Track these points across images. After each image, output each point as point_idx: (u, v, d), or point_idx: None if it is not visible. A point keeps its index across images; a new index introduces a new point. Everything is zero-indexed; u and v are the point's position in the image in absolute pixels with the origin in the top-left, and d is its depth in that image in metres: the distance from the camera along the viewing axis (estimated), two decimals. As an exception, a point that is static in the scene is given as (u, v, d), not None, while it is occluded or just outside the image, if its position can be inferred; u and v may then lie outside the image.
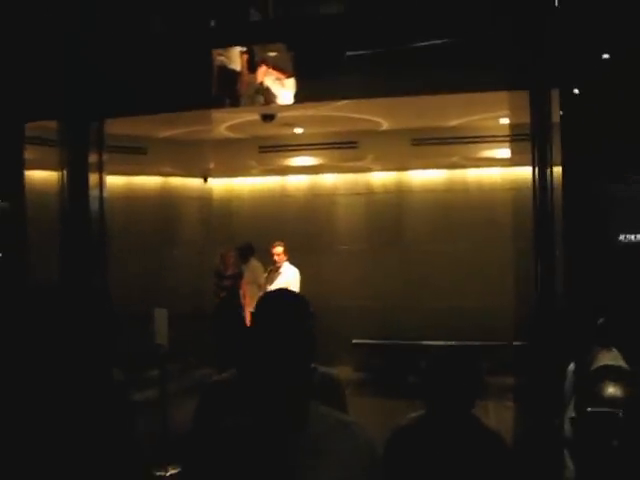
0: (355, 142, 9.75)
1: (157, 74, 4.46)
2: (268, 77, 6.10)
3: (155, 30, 4.57)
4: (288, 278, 9.07)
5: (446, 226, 9.95)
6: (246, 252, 9.74)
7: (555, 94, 3.69)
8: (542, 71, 3.59)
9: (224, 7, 4.90)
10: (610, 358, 4.17)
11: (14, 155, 4.37)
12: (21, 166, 4.37)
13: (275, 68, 6.08)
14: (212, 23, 5.03)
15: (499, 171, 9.45)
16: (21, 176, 4.37)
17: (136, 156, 9.40)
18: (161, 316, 7.05)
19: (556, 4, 3.64)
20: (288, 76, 6.03)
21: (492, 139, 8.68)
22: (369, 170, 10.59)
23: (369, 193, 10.66)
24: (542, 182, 3.60)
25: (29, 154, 4.55)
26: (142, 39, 4.42)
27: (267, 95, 6.14)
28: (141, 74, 4.46)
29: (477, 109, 7.83)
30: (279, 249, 9.16)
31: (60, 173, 4.26)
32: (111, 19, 4.35)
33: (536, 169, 3.69)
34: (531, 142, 3.72)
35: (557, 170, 3.64)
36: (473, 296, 9.35)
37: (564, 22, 3.58)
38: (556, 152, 3.64)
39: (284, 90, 6.10)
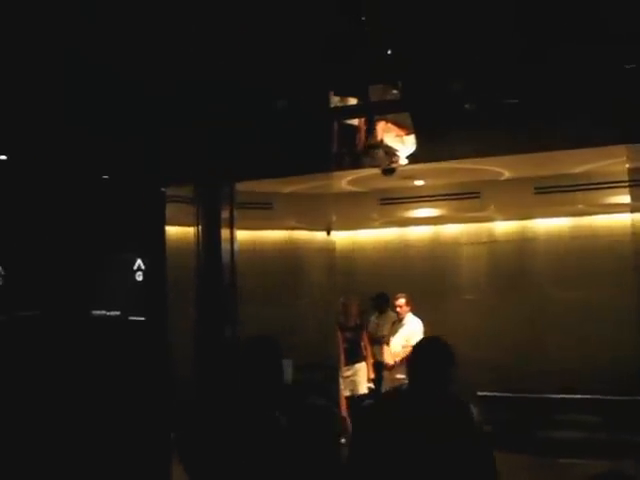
0: (477, 192, 9.73)
1: (281, 139, 4.73)
2: (387, 134, 6.22)
3: (279, 104, 4.85)
4: (411, 329, 9.03)
5: (572, 274, 9.66)
6: (381, 302, 9.80)
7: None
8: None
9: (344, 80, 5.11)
10: None
11: (156, 215, 4.75)
12: (162, 226, 4.74)
13: (394, 124, 6.20)
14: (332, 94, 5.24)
15: (625, 217, 9.13)
16: (162, 234, 4.74)
17: (262, 211, 9.82)
18: (286, 366, 7.22)
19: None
20: (408, 133, 6.13)
21: (616, 185, 8.42)
22: (491, 220, 10.51)
23: (492, 242, 10.55)
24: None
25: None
26: (267, 112, 4.72)
27: (387, 152, 6.26)
28: (266, 140, 4.75)
29: (600, 156, 7.67)
30: (402, 300, 9.16)
31: (195, 229, 4.59)
32: (237, 99, 4.68)
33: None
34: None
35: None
36: (602, 347, 8.98)
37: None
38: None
39: (404, 147, 6.18)
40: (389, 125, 6.23)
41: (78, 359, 5.35)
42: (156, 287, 4.87)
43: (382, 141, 6.25)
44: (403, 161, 6.31)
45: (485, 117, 4.86)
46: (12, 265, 7.06)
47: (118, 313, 4.96)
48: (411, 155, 6.25)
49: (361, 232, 11.41)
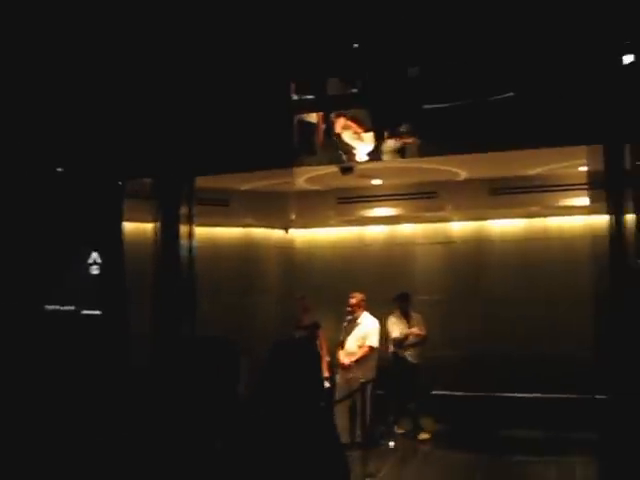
0: (434, 192, 9.77)
1: (241, 134, 4.67)
2: (346, 131, 6.18)
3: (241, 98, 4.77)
4: (366, 329, 9.05)
5: (526, 275, 9.82)
6: (402, 302, 9.72)
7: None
8: (617, 127, 3.62)
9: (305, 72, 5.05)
10: None
11: (113, 209, 4.66)
12: (120, 220, 4.65)
13: (353, 121, 6.17)
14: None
15: (579, 219, 9.35)
16: (119, 229, 4.65)
17: (218, 208, 9.67)
18: (243, 365, 7.12)
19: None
20: (366, 130, 6.10)
21: (572, 187, 8.56)
22: (448, 220, 10.59)
23: (448, 243, 10.64)
24: (617, 229, 3.60)
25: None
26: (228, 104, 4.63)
27: (345, 149, 6.22)
28: (227, 135, 4.68)
29: (557, 158, 7.75)
30: (353, 300, 9.15)
31: (154, 225, 4.50)
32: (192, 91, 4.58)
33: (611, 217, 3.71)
34: (606, 192, 3.75)
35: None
36: (554, 346, 9.16)
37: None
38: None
39: (362, 144, 6.15)
40: (348, 122, 6.18)
41: (29, 352, 5.21)
42: (113, 281, 4.76)
43: (340, 137, 6.20)
44: (360, 156, 6.25)
45: (442, 118, 4.85)
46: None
47: (72, 308, 4.83)
48: (370, 151, 6.20)
49: (319, 230, 11.37)
